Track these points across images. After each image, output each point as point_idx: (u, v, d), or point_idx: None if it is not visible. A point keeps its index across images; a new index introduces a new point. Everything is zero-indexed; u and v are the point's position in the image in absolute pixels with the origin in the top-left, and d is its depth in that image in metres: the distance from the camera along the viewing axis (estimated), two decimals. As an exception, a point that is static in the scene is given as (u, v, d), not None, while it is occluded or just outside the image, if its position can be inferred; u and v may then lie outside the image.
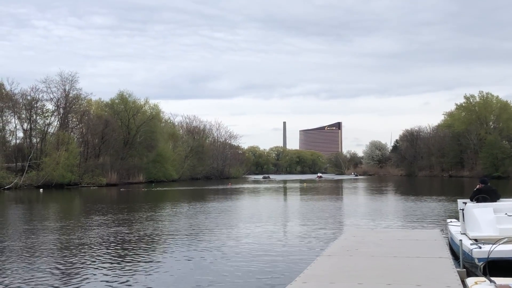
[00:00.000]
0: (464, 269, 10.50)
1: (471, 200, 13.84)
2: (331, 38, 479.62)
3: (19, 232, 21.71)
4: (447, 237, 15.54)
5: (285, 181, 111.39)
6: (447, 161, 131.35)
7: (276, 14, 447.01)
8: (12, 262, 14.44)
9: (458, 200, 14.50)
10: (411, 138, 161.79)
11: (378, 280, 8.92)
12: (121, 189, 68.60)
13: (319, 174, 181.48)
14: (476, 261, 10.74)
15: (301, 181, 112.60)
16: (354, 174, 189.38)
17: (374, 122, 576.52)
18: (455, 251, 13.13)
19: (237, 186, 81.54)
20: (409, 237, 14.30)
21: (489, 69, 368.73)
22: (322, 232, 20.06)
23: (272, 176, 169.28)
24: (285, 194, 56.07)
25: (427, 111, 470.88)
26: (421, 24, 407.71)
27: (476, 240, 12.00)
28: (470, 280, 8.71)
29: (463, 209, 13.52)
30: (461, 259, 11.26)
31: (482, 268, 10.54)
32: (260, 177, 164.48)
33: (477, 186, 14.34)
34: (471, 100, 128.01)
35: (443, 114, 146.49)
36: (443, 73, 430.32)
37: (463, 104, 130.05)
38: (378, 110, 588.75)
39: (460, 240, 11.75)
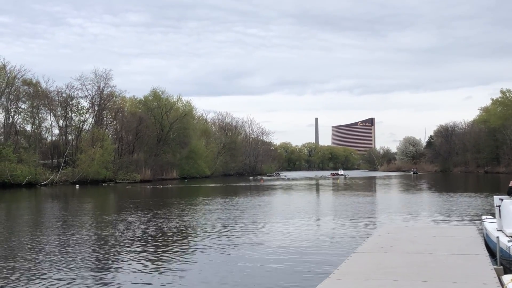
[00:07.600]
0: (501, 266, 10.36)
1: (509, 196, 13.65)
2: (365, 33, 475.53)
3: (56, 227, 22.17)
4: (483, 234, 15.35)
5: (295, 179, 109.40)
6: (482, 157, 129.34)
7: (310, 10, 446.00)
8: (50, 254, 14.78)
9: (494, 196, 14.31)
10: (445, 134, 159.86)
11: (413, 277, 8.88)
12: (127, 187, 68.87)
13: (338, 172, 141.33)
14: (514, 258, 10.60)
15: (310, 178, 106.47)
16: (413, 171, 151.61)
17: (409, 118, 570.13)
18: (490, 248, 12.97)
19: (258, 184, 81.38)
20: (444, 234, 14.14)
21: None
22: (357, 229, 20.00)
23: (289, 174, 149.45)
24: (317, 190, 55.93)
25: (463, 106, 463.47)
26: (457, 18, 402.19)
27: (513, 237, 11.85)
28: (506, 277, 8.62)
29: (499, 206, 13.34)
30: (498, 256, 11.12)
31: (519, 266, 10.40)
32: (283, 174, 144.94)
33: None
34: (508, 95, 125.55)
35: (479, 109, 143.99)
36: (479, 68, 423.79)
37: (499, 99, 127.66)
38: (413, 106, 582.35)
39: (497, 237, 11.60)
